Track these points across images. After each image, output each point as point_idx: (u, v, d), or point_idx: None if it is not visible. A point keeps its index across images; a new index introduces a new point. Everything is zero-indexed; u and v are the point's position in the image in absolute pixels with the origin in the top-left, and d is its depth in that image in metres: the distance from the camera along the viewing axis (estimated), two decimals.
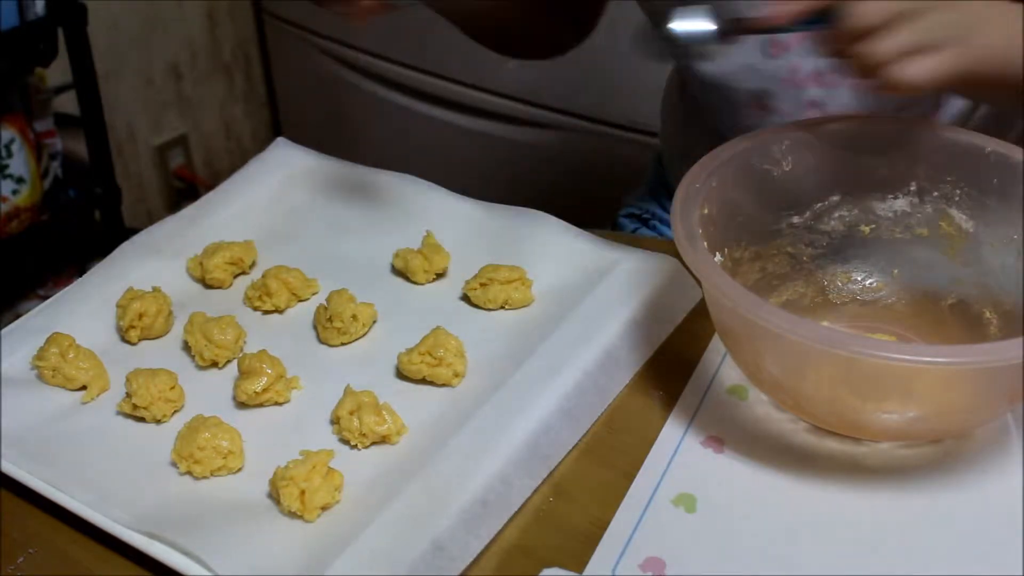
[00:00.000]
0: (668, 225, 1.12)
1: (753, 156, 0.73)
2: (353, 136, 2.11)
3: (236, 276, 0.85)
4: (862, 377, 0.62)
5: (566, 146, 1.80)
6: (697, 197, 0.68)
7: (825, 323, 0.74)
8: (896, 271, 0.77)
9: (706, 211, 0.68)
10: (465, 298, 0.81)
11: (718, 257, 0.70)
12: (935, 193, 0.74)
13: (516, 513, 0.65)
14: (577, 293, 0.79)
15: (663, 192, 1.14)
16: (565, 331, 0.74)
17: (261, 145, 1.06)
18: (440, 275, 0.84)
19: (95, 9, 1.68)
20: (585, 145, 1.77)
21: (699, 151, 0.84)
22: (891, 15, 0.65)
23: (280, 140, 0.99)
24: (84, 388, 0.74)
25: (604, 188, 1.34)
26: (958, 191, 0.73)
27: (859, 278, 0.77)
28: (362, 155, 0.98)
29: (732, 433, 0.69)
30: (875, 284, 0.77)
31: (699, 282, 0.63)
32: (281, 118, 2.39)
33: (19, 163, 1.62)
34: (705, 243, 0.66)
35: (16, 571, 0.64)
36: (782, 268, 0.77)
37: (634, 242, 0.85)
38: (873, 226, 0.76)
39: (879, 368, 0.59)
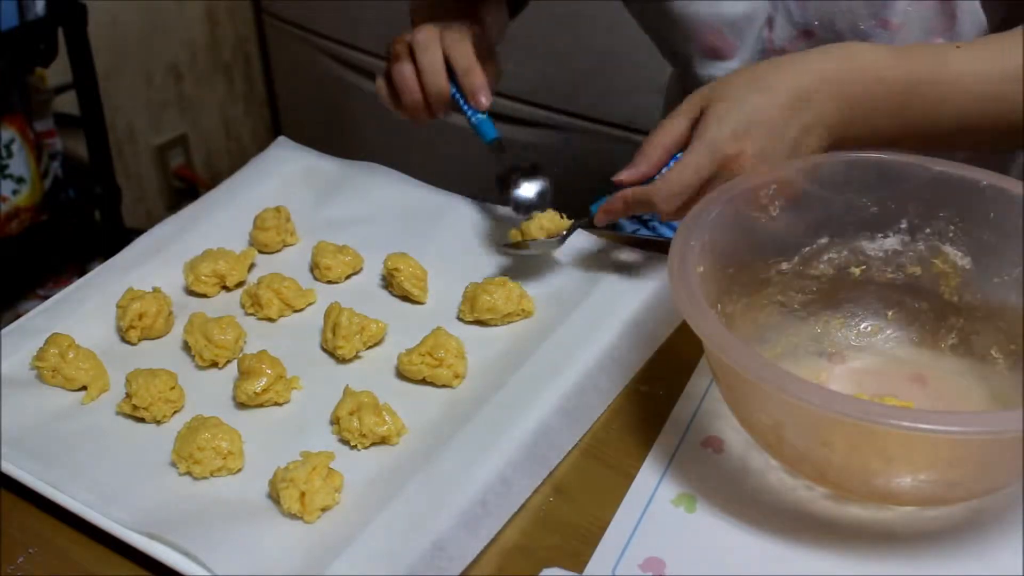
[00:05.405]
0: (666, 225, 1.12)
1: (741, 204, 0.70)
2: (353, 136, 2.11)
3: (223, 287, 0.84)
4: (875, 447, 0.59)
5: (566, 146, 1.79)
6: (692, 255, 0.65)
7: (823, 375, 0.72)
8: (890, 313, 0.75)
9: (701, 269, 0.65)
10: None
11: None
12: (927, 230, 0.71)
13: (516, 513, 0.65)
14: (577, 294, 0.79)
15: None
16: (565, 332, 0.75)
17: (261, 145, 1.06)
18: None
19: (95, 9, 1.68)
20: (585, 145, 1.76)
21: None
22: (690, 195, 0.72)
23: (281, 139, 1.00)
24: (84, 388, 0.74)
25: (604, 189, 1.33)
26: (952, 227, 0.71)
27: (853, 323, 0.75)
28: (362, 155, 0.98)
29: (732, 433, 0.69)
30: (869, 328, 0.75)
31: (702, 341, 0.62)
32: (281, 118, 2.39)
33: (19, 163, 1.62)
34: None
35: (16, 571, 0.64)
36: (773, 318, 0.74)
37: (634, 243, 0.85)
38: (863, 267, 0.74)
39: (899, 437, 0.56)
